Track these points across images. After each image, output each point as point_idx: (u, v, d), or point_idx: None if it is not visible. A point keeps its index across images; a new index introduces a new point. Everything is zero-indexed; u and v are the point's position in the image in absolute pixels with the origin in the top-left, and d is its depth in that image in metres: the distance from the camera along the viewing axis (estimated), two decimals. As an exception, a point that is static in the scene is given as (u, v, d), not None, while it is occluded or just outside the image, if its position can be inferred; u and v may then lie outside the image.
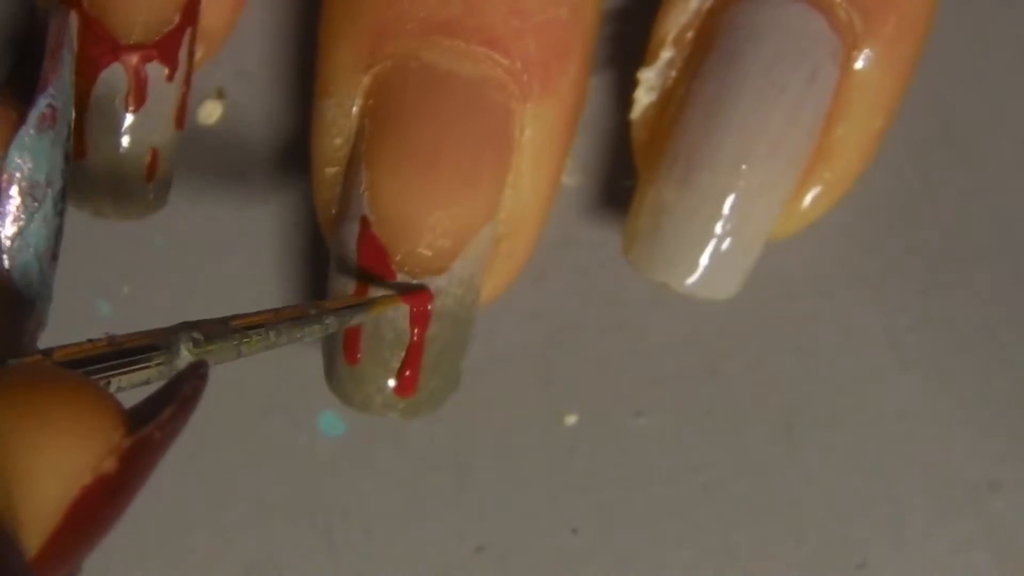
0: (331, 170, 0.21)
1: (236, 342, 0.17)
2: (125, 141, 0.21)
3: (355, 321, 0.19)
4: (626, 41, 0.22)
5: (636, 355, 0.24)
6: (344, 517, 0.24)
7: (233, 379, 0.24)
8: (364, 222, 0.20)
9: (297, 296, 0.24)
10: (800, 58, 0.20)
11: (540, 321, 0.24)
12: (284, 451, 0.24)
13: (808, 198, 0.21)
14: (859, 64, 0.21)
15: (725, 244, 0.20)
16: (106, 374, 0.16)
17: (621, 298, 0.24)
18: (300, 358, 0.24)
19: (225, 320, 0.17)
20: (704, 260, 0.20)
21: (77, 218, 0.24)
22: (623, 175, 0.24)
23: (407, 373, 0.20)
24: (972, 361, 0.24)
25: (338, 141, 0.21)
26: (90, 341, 0.16)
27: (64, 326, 0.24)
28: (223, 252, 0.24)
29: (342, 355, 0.21)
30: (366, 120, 0.21)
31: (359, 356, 0.21)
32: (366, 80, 0.21)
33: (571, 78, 0.21)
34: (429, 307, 0.20)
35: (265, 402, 0.24)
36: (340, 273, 0.21)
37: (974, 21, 0.25)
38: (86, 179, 0.21)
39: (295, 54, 0.24)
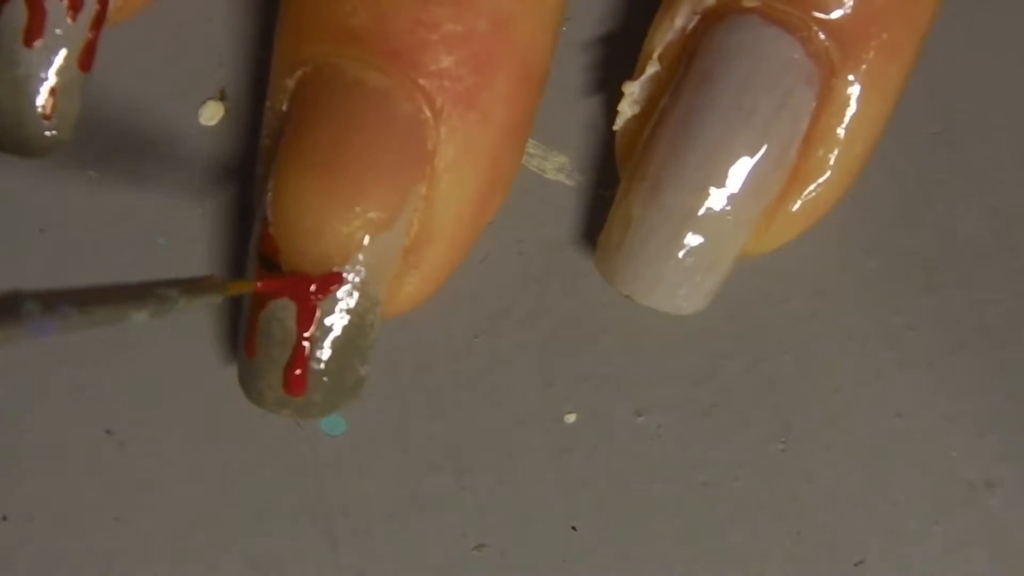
0: (261, 169, 0.22)
1: (76, 313, 0.17)
2: (20, 74, 0.21)
3: (205, 300, 0.19)
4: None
5: (636, 355, 0.24)
6: (345, 515, 0.24)
7: (233, 379, 0.24)
8: (264, 221, 0.20)
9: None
10: (770, 83, 0.20)
11: (540, 321, 0.24)
12: (285, 450, 0.24)
13: (783, 218, 0.22)
14: (839, 91, 0.21)
15: (688, 262, 0.21)
16: None
17: (621, 298, 0.24)
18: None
19: (64, 292, 0.17)
20: (665, 276, 0.21)
21: (79, 220, 0.24)
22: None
23: (296, 373, 0.20)
24: (970, 360, 0.25)
25: (267, 142, 0.21)
26: None
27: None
28: (226, 252, 0.24)
29: (244, 349, 0.21)
30: (285, 122, 0.21)
31: (255, 352, 0.21)
32: (290, 84, 0.21)
33: (498, 94, 0.21)
34: (315, 306, 0.20)
35: (266, 401, 0.24)
36: (247, 270, 0.21)
37: (974, 21, 0.25)
38: None
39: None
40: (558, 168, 0.24)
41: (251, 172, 0.24)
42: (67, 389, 0.24)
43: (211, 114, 0.24)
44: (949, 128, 0.25)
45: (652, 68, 0.22)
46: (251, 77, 0.24)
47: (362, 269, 0.20)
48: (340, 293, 0.20)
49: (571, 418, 0.24)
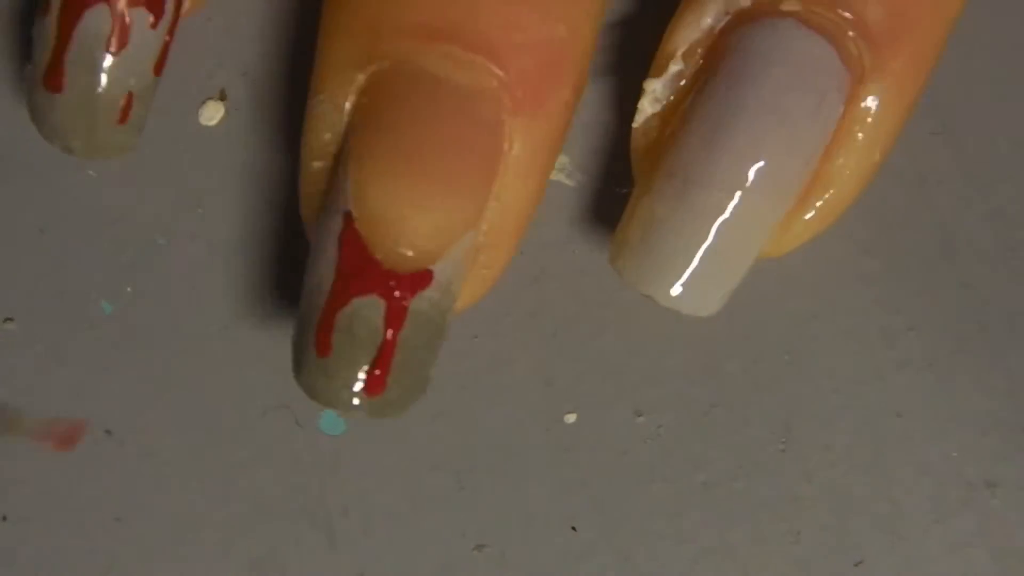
0: (318, 164, 0.21)
1: None
2: (102, 81, 0.21)
3: None
4: (639, 46, 0.22)
5: (636, 355, 0.24)
6: (345, 515, 0.24)
7: (233, 379, 0.24)
8: (348, 217, 0.20)
9: (295, 295, 0.24)
10: (806, 87, 0.20)
11: (540, 321, 0.24)
12: (285, 450, 0.24)
13: (799, 223, 0.21)
14: (864, 98, 0.21)
15: (712, 263, 0.20)
16: None
17: (621, 298, 0.24)
18: (301, 358, 0.24)
19: None
20: (689, 277, 0.20)
21: (79, 220, 0.24)
22: (624, 177, 0.24)
23: (376, 372, 0.20)
24: (970, 360, 0.25)
25: (327, 136, 0.21)
26: None
27: (68, 325, 0.24)
28: (225, 252, 0.24)
29: (313, 348, 0.20)
30: (357, 117, 0.21)
31: (330, 350, 0.20)
32: (361, 78, 0.21)
33: (562, 98, 0.21)
34: (406, 306, 0.20)
35: (265, 402, 0.24)
36: (319, 265, 0.21)
37: (974, 21, 0.25)
38: (58, 113, 0.21)
39: (297, 56, 0.24)
40: (558, 168, 0.24)
41: (251, 171, 0.24)
42: (67, 389, 0.24)
43: (211, 114, 0.24)
44: (949, 128, 0.25)
45: (675, 66, 0.21)
46: (251, 77, 0.24)
47: (449, 267, 0.20)
48: (429, 291, 0.20)
49: (571, 418, 0.24)
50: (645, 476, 0.24)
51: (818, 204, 0.21)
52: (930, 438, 0.24)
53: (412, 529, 0.24)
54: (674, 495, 0.24)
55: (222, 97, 0.24)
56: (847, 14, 0.20)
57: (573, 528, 0.24)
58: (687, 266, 0.20)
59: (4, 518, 0.24)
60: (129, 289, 0.24)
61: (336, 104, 0.21)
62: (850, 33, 0.20)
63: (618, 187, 0.24)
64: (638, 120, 0.22)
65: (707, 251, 0.20)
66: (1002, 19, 0.25)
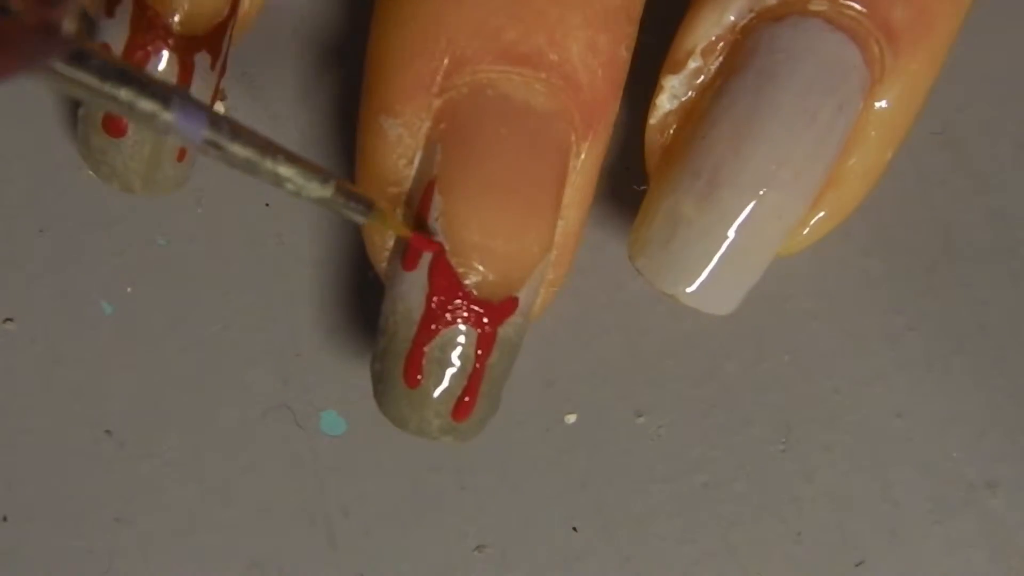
0: (393, 190, 0.21)
1: (228, 135, 0.17)
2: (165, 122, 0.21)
3: (351, 215, 0.19)
4: (643, 42, 0.22)
5: (636, 355, 0.24)
6: (345, 516, 0.24)
7: (233, 379, 0.24)
8: (438, 247, 0.20)
9: (295, 295, 0.24)
10: (833, 88, 0.20)
11: (540, 321, 0.24)
12: (285, 450, 0.24)
13: (811, 222, 0.22)
14: (881, 98, 0.21)
15: (735, 263, 0.20)
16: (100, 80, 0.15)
17: (621, 298, 0.24)
18: (301, 358, 0.24)
19: (230, 119, 0.17)
20: (712, 277, 0.20)
21: (79, 220, 0.24)
22: (625, 177, 0.24)
23: (466, 399, 0.20)
24: (970, 361, 0.25)
25: (402, 162, 0.21)
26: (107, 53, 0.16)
27: (68, 326, 0.24)
28: (224, 252, 0.24)
29: (401, 378, 0.21)
30: (438, 144, 0.20)
31: (420, 379, 0.20)
32: (437, 103, 0.20)
33: (614, 115, 0.21)
34: (495, 333, 0.20)
35: (265, 402, 0.24)
36: (407, 295, 0.21)
37: (974, 23, 0.25)
38: (121, 157, 0.21)
39: (295, 57, 0.24)
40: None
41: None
42: (67, 389, 0.24)
43: (211, 114, 0.24)
44: (949, 128, 0.25)
45: (694, 63, 0.21)
46: (250, 77, 0.24)
47: (531, 291, 0.21)
48: (514, 317, 0.20)
49: (571, 418, 0.24)
50: (645, 476, 0.24)
51: (830, 204, 0.21)
52: (930, 438, 0.24)
53: (412, 529, 0.24)
54: (674, 496, 0.24)
55: (221, 97, 0.24)
56: (874, 14, 0.20)
57: (573, 528, 0.24)
58: (712, 266, 0.20)
59: (4, 518, 0.24)
60: (129, 289, 0.24)
61: (411, 129, 0.21)
62: (874, 33, 0.20)
63: (619, 186, 0.24)
64: (655, 116, 0.22)
65: (731, 251, 0.20)
66: (1002, 20, 0.25)
